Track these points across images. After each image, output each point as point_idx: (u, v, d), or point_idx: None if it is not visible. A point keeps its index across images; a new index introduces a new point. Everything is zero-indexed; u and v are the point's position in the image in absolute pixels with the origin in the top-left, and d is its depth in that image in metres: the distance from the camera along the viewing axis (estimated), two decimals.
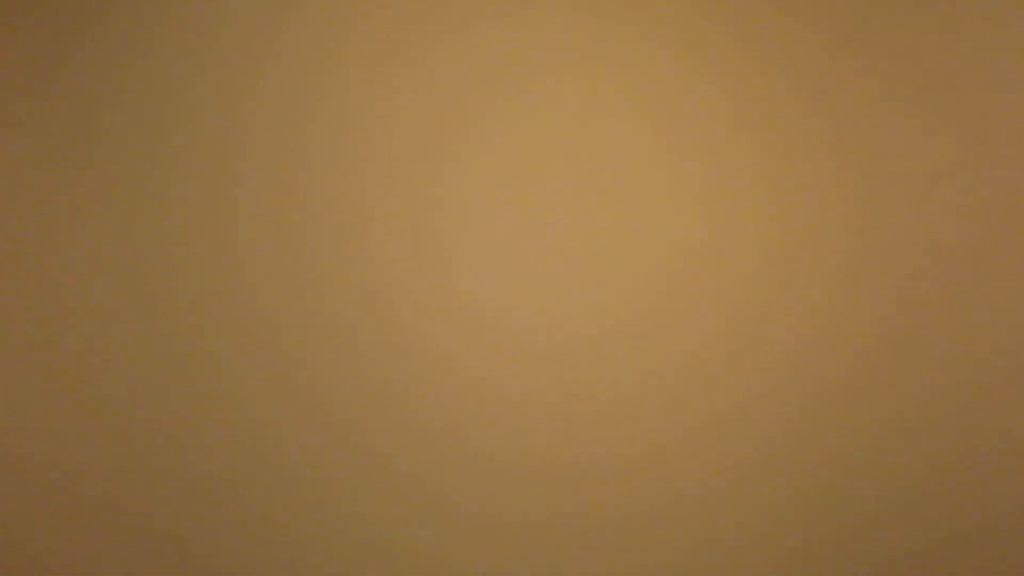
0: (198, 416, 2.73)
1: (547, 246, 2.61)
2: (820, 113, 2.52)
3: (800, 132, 2.53)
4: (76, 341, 2.78)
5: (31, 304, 2.81)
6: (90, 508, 2.76)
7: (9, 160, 2.82)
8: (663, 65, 2.58)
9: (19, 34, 2.83)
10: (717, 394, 2.53)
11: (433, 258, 2.64)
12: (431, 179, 2.65)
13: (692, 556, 2.53)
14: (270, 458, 2.69)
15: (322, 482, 2.67)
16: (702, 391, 2.54)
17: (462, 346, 2.62)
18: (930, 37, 2.49)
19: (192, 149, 2.74)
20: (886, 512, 2.47)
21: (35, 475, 2.78)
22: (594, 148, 2.60)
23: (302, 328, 2.69)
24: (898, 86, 2.49)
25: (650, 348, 2.56)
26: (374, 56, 2.68)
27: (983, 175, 2.46)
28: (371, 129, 2.67)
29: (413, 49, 2.66)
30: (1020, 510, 2.41)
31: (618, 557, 2.55)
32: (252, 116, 2.72)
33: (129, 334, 2.76)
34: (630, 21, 2.59)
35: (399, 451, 2.64)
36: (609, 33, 2.60)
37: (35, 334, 2.80)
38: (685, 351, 2.55)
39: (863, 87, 2.51)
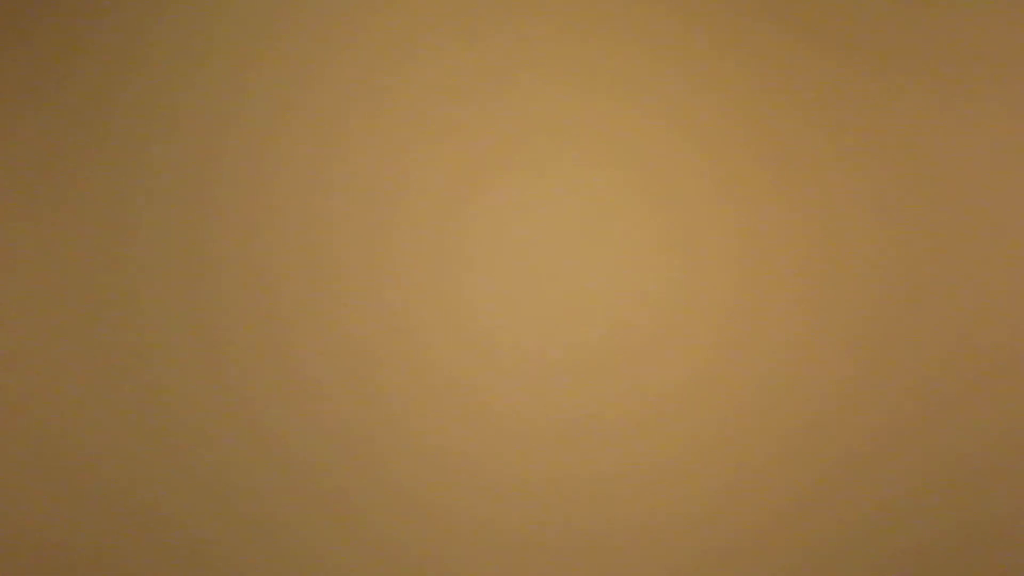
0: (158, 450, 2.73)
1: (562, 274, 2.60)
2: (834, 132, 2.51)
3: (813, 151, 2.51)
4: (29, 367, 2.77)
5: None
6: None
7: None
8: (669, 87, 2.56)
9: None
10: (718, 406, 2.55)
11: (449, 282, 2.63)
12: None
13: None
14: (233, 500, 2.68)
15: (326, 486, 2.65)
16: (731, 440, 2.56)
17: (471, 368, 2.61)
18: (946, 44, 2.46)
19: (173, 181, 2.73)
20: (884, 523, 2.47)
21: None
22: (604, 174, 2.59)
23: (319, 339, 2.67)
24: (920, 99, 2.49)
25: (656, 356, 2.56)
26: (361, 79, 2.68)
27: (1014, 186, 2.42)
28: (405, 161, 2.66)
29: (408, 70, 2.66)
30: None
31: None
32: (234, 142, 2.71)
33: (92, 365, 2.76)
34: (631, 42, 2.57)
35: (404, 467, 2.63)
36: (611, 54, 2.57)
37: None
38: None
39: (878, 108, 2.49)
